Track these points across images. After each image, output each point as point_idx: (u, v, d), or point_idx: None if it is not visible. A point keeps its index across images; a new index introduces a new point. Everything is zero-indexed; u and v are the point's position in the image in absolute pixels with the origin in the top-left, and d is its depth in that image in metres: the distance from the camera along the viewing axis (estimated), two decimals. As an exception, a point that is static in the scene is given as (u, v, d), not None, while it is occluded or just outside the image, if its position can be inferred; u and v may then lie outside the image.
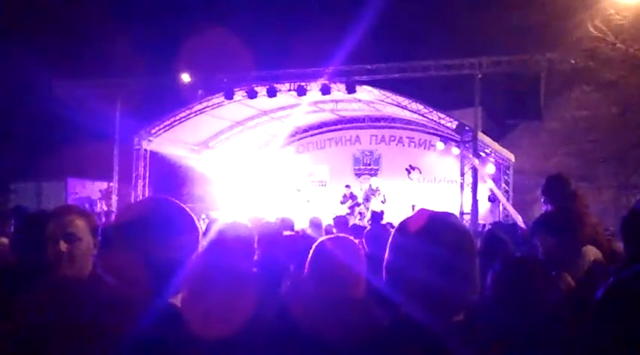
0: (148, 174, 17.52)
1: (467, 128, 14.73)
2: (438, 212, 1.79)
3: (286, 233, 5.88)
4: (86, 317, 2.44)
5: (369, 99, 15.81)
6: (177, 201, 2.33)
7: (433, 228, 1.73)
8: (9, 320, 2.86)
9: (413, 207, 15.59)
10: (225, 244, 3.64)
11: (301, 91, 15.09)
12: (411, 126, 18.40)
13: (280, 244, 5.02)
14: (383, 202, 16.27)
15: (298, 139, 20.54)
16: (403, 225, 1.81)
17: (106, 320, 2.33)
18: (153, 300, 2.21)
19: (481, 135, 15.08)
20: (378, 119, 19.06)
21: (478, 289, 1.78)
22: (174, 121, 17.17)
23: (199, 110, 16.87)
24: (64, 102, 18.01)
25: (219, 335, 2.33)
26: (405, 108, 15.28)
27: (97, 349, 2.29)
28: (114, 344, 2.23)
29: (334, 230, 9.68)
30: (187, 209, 2.32)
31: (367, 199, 16.49)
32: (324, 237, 2.95)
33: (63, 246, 2.51)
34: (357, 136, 19.76)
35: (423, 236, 1.72)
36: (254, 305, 2.98)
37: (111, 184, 18.58)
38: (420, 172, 18.51)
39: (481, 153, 15.40)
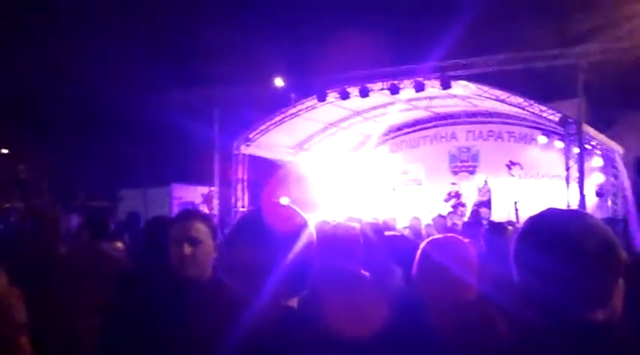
0: (246, 177, 17.99)
1: (570, 120, 14.16)
2: (571, 210, 1.63)
3: (388, 233, 5.84)
4: (208, 318, 2.53)
5: (465, 94, 15.49)
6: (292, 206, 2.38)
7: (568, 234, 1.46)
8: (132, 322, 3.01)
9: (515, 204, 15.20)
10: (332, 245, 3.67)
11: (394, 90, 14.97)
12: (510, 121, 17.83)
13: (383, 245, 4.99)
14: (487, 200, 15.98)
15: (392, 138, 20.37)
16: (529, 228, 1.56)
17: (226, 322, 2.40)
18: (271, 303, 2.25)
19: (586, 127, 14.46)
20: (474, 114, 18.61)
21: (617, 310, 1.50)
22: (270, 125, 17.50)
23: (293, 113, 17.10)
24: (167, 113, 18.81)
25: (340, 337, 2.35)
26: (503, 101, 14.84)
27: (217, 350, 2.36)
28: (233, 346, 2.29)
29: (433, 230, 9.59)
30: (302, 212, 2.36)
31: (467, 198, 16.27)
32: (431, 238, 2.90)
33: (187, 249, 2.61)
34: (453, 133, 19.37)
35: (556, 242, 1.46)
36: (369, 307, 2.99)
37: (212, 188, 19.17)
38: (522, 168, 17.92)
39: (586, 146, 14.78)
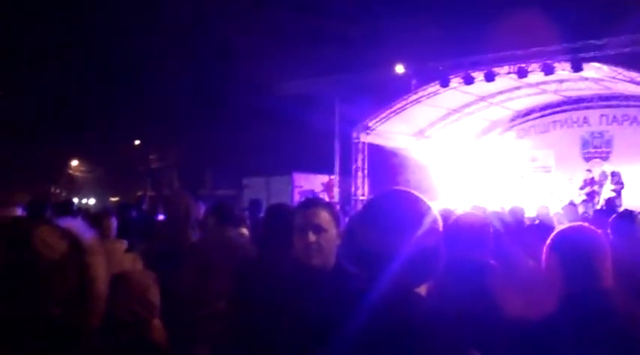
0: (366, 165, 18.00)
1: None
2: None
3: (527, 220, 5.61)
4: (331, 306, 2.49)
5: (597, 76, 14.64)
6: (417, 193, 2.29)
7: None
8: (257, 309, 3.03)
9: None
10: (459, 234, 3.55)
11: (522, 73, 14.42)
12: (647, 103, 16.69)
13: (513, 234, 4.79)
14: (620, 188, 15.01)
15: (519, 123, 19.64)
16: None
17: (349, 311, 2.35)
18: (395, 291, 2.18)
19: None
20: (608, 98, 17.52)
21: None
22: (391, 113, 17.40)
23: (415, 100, 16.90)
24: (288, 102, 19.20)
25: (465, 326, 2.25)
26: (639, 84, 13.91)
27: (340, 339, 2.32)
28: (356, 335, 2.24)
29: (563, 219, 9.10)
30: (427, 201, 2.26)
31: (601, 185, 15.33)
32: (560, 227, 2.73)
33: (311, 237, 2.59)
34: (585, 117, 18.35)
35: None
36: (500, 298, 2.85)
37: (332, 177, 19.36)
38: (661, 153, 16.68)
39: None
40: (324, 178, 21.04)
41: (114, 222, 4.94)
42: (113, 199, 32.97)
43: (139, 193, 28.63)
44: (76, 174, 41.38)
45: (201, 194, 23.60)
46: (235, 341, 3.30)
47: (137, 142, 38.19)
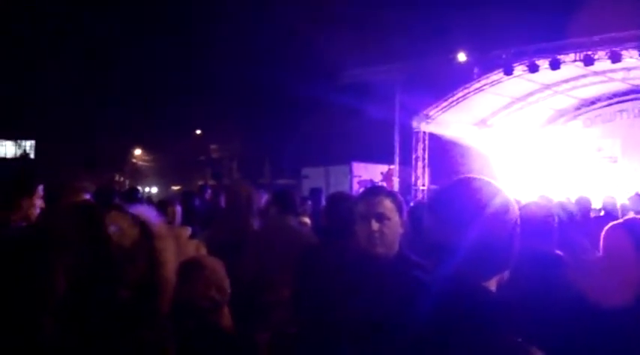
0: (427, 155, 17.84)
1: None
2: None
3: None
4: (394, 295, 2.47)
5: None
6: (490, 181, 2.24)
7: None
8: (321, 297, 3.04)
9: None
10: (524, 225, 3.47)
11: (588, 61, 13.99)
12: None
13: (579, 225, 4.67)
14: None
15: (585, 113, 19.09)
16: None
17: (412, 300, 2.32)
18: (462, 283, 2.13)
19: None
20: (677, 86, 16.85)
21: None
22: (452, 102, 17.18)
23: (477, 88, 16.63)
24: (348, 91, 19.15)
25: (533, 319, 2.20)
26: None
27: (403, 328, 2.29)
28: (419, 325, 2.21)
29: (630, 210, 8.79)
30: (501, 190, 2.20)
31: None
32: (625, 218, 2.66)
33: (374, 225, 2.58)
34: (653, 107, 17.70)
35: None
36: (566, 289, 2.77)
37: (391, 166, 19.25)
38: None
39: None
40: (384, 168, 20.93)
41: (179, 210, 5.05)
42: (175, 188, 33.70)
43: (200, 182, 29.21)
44: (139, 163, 42.50)
45: (261, 183, 23.88)
46: (298, 329, 3.33)
47: (198, 132, 38.91)
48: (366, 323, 2.64)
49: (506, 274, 2.11)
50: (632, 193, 11.14)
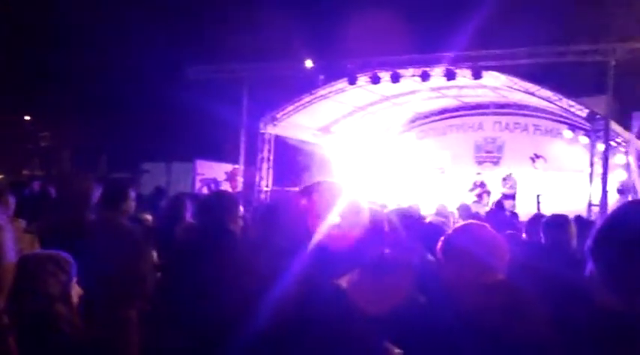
0: (272, 157, 18.05)
1: (598, 116, 14.05)
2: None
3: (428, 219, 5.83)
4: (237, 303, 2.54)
5: (495, 85, 15.38)
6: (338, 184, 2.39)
7: None
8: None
9: (538, 197, 15.22)
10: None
11: (425, 77, 14.88)
12: (537, 114, 17.78)
13: (412, 231, 4.98)
14: (513, 193, 16.05)
15: (419, 125, 20.33)
16: (610, 224, 1.71)
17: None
18: (322, 280, 2.28)
19: (613, 124, 14.36)
20: (502, 106, 18.48)
21: None
22: (298, 106, 17.51)
23: (322, 95, 17.08)
24: (194, 87, 18.85)
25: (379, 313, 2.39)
26: (533, 94, 14.78)
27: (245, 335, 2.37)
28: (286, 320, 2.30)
29: (459, 218, 9.52)
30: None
31: (487, 191, 16.35)
32: (460, 223, 2.93)
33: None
34: (480, 123, 19.27)
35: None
36: (409, 289, 3.00)
37: (236, 166, 19.24)
38: (546, 161, 17.83)
39: (612, 143, 14.74)
40: (228, 167, 20.85)
41: (12, 201, 4.74)
42: (-2, 177, 31.08)
43: (25, 172, 27.24)
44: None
45: (96, 176, 22.76)
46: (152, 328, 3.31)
47: (27, 118, 36.19)
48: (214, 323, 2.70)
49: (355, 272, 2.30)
50: (458, 203, 12.09)
